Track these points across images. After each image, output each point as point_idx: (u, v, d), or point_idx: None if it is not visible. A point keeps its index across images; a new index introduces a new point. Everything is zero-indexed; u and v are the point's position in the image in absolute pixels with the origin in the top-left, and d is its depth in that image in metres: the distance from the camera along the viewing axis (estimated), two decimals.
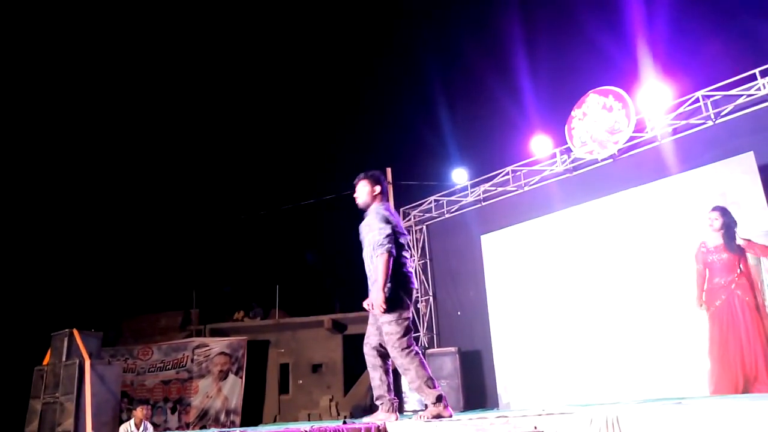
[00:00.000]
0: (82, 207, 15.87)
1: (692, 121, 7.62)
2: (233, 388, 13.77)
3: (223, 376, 13.92)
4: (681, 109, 7.71)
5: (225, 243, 17.64)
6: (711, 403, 2.68)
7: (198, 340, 14.59)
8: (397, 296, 3.87)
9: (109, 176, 16.82)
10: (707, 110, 7.46)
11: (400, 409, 8.57)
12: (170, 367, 14.09)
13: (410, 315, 3.94)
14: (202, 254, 17.43)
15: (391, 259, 3.83)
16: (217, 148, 18.96)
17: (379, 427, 3.41)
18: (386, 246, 3.82)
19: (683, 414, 2.62)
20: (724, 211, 5.75)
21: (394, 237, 3.90)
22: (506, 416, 3.07)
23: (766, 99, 7.01)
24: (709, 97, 7.49)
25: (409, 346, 3.81)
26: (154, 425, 10.05)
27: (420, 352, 3.89)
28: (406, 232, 4.15)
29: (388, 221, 3.95)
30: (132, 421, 8.13)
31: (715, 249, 5.75)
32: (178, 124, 18.30)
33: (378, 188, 4.17)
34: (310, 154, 19.19)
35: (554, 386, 8.23)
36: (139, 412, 8.20)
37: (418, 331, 10.30)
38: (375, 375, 3.99)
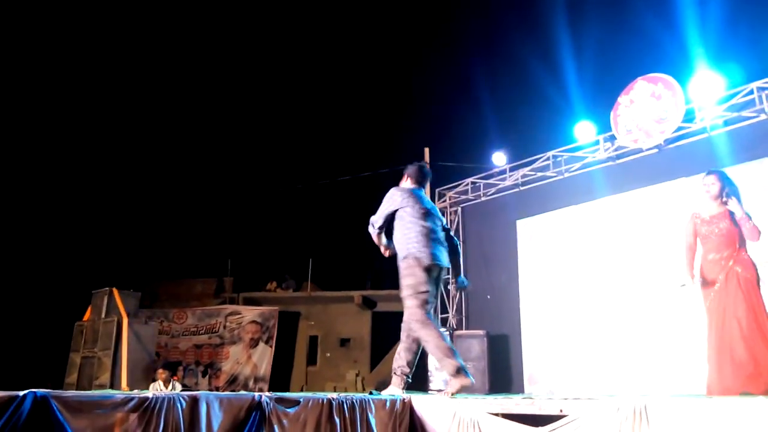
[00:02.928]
0: (128, 171, 16.30)
1: (744, 113, 7.36)
2: (263, 356, 14.06)
3: (254, 344, 14.22)
4: (733, 101, 7.45)
5: (262, 214, 17.90)
6: (742, 401, 2.62)
7: (231, 308, 14.92)
8: (410, 269, 3.96)
9: (155, 143, 17.19)
10: (761, 102, 7.19)
11: (425, 388, 8.67)
12: (203, 332, 14.45)
13: (427, 287, 3.94)
14: (239, 224, 17.74)
15: (374, 231, 4.19)
16: (258, 120, 19.16)
17: (404, 400, 3.44)
18: (370, 222, 4.21)
19: (712, 409, 2.58)
20: (722, 176, 4.65)
21: (391, 211, 4.14)
22: (532, 398, 3.07)
23: None
24: (763, 89, 7.20)
25: (426, 319, 3.87)
26: (185, 386, 10.37)
27: (437, 326, 3.95)
28: (416, 202, 4.17)
29: (386, 199, 4.21)
30: (159, 382, 8.41)
31: (711, 219, 4.55)
32: (222, 94, 18.53)
33: (405, 177, 4.45)
34: (350, 132, 19.22)
35: (580, 376, 8.16)
36: (161, 374, 8.50)
37: (447, 313, 10.32)
38: (401, 347, 4.07)
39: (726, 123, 7.57)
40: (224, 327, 14.38)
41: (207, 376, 14.07)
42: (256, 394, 3.01)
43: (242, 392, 3.73)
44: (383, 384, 4.35)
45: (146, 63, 16.82)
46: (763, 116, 7.20)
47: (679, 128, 7.78)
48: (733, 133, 7.47)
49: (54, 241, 13.71)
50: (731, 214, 4.43)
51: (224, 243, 16.98)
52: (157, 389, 8.46)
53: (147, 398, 2.64)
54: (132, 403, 2.59)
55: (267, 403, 2.95)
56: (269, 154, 18.93)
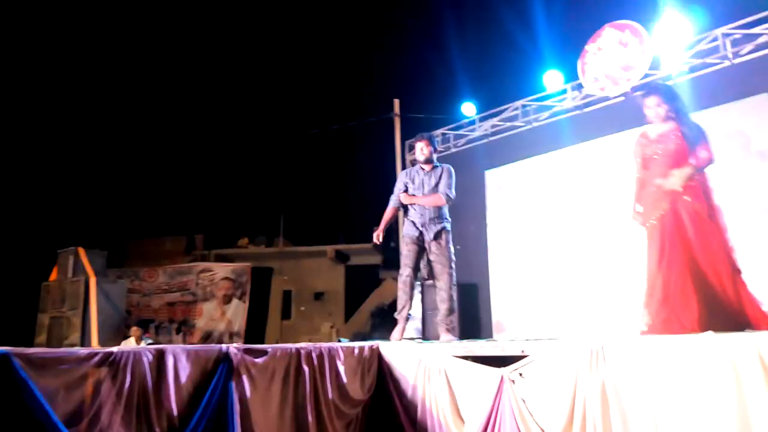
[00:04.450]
0: (95, 128, 15.82)
1: (709, 59, 7.40)
2: (237, 312, 14.09)
3: (227, 300, 14.22)
4: (698, 47, 7.47)
5: (231, 171, 17.66)
6: (698, 339, 2.72)
7: (203, 265, 14.85)
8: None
9: (122, 99, 16.67)
10: (725, 49, 7.23)
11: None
12: (175, 289, 14.38)
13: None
14: (209, 181, 17.50)
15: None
16: (226, 75, 18.70)
17: (372, 347, 3.50)
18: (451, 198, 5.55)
19: (668, 348, 2.67)
20: (665, 93, 3.94)
21: None
22: (495, 340, 3.14)
23: None
24: (728, 35, 7.23)
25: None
26: (157, 343, 10.38)
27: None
28: None
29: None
30: (132, 339, 8.48)
31: (658, 138, 3.87)
32: (191, 49, 17.97)
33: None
34: (319, 85, 18.89)
35: (547, 323, 8.35)
36: (135, 331, 8.61)
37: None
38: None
39: (691, 70, 7.62)
40: (197, 284, 14.32)
41: (181, 333, 14.08)
42: (224, 345, 3.02)
43: (210, 344, 3.75)
44: (359, 335, 4.57)
45: (126, 24, 16.19)
46: (726, 63, 7.26)
47: (646, 75, 7.79)
48: (697, 80, 7.52)
49: (16, 201, 13.36)
50: (681, 132, 3.79)
51: (194, 200, 16.78)
52: (129, 345, 8.51)
53: (112, 353, 2.63)
54: (97, 358, 2.58)
55: (235, 354, 2.97)
56: (238, 108, 18.56)
